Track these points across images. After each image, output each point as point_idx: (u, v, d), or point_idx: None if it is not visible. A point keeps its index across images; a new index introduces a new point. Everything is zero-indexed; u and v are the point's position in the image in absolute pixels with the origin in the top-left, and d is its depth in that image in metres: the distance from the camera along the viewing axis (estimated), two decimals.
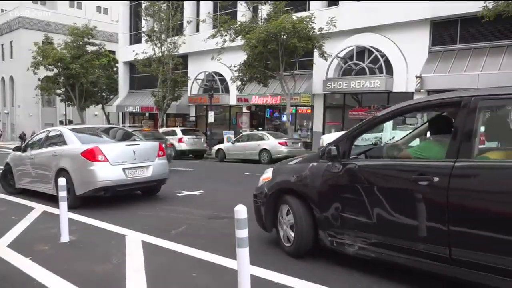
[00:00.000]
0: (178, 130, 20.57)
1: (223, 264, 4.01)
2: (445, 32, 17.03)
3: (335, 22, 17.67)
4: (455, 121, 3.20)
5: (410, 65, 17.34)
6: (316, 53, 18.74)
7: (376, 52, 17.77)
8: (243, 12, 21.43)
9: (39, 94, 35.95)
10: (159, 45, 24.84)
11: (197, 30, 26.33)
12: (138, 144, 7.64)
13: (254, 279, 3.27)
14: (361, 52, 18.65)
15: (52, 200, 6.93)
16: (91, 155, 6.86)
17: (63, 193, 5.01)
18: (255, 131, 20.05)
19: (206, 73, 24.99)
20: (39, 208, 7.04)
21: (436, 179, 3.01)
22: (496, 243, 2.74)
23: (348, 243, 3.66)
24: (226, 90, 24.59)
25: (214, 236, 5.12)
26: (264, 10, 19.68)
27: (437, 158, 3.26)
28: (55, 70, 29.95)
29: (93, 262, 4.19)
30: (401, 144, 4.37)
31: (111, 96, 34.84)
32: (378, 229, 3.43)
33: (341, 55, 19.08)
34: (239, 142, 18.38)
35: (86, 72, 29.28)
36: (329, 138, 13.27)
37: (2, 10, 50.85)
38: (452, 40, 16.91)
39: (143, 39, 27.41)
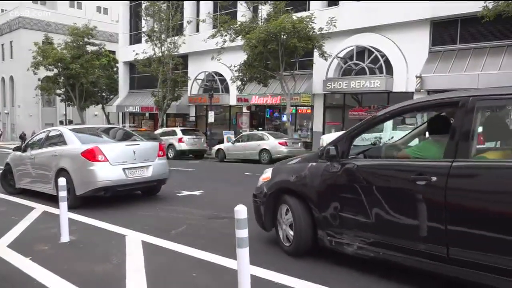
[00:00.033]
0: (178, 130, 20.58)
1: (223, 264, 4.01)
2: (445, 32, 17.03)
3: (335, 22, 17.67)
4: (453, 121, 3.21)
5: (410, 65, 17.34)
6: (316, 53, 18.74)
7: (376, 52, 17.77)
8: (243, 12, 21.44)
9: (39, 94, 35.99)
10: (159, 45, 24.86)
11: (197, 30, 26.34)
12: (138, 144, 7.64)
13: (254, 279, 3.27)
14: (361, 52, 18.65)
15: (52, 200, 6.94)
16: (91, 155, 6.86)
17: (63, 193, 5.01)
18: (255, 131, 20.05)
19: (206, 73, 24.99)
20: (39, 208, 7.04)
21: (434, 179, 3.03)
22: (493, 242, 2.75)
23: (347, 242, 3.67)
24: (226, 90, 24.59)
25: (214, 236, 5.12)
26: (264, 10, 19.69)
27: (436, 158, 3.27)
28: (55, 70, 29.98)
29: (93, 262, 4.19)
30: (399, 144, 4.38)
31: (111, 96, 34.85)
32: (377, 228, 3.44)
33: (341, 55, 19.08)
34: (239, 142, 18.38)
35: (86, 72, 29.29)
36: (329, 138, 13.28)
37: (2, 10, 50.87)
38: (452, 40, 16.91)
39: (143, 39, 27.43)
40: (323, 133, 19.29)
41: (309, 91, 20.54)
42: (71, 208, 5.93)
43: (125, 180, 7.06)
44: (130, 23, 31.96)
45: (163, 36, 24.90)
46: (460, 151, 2.99)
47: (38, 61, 29.13)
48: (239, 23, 19.58)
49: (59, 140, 7.64)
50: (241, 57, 19.61)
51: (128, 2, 31.65)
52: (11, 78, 45.27)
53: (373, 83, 17.62)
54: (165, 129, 22.71)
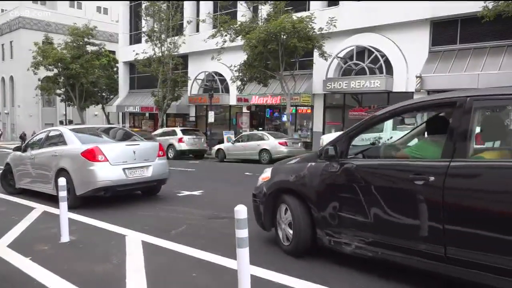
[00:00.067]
0: (178, 130, 20.58)
1: (223, 264, 4.01)
2: (445, 32, 17.02)
3: (335, 22, 17.67)
4: (450, 121, 3.22)
5: (410, 65, 17.34)
6: (316, 53, 18.74)
7: (376, 52, 17.77)
8: (243, 12, 21.44)
9: (39, 94, 35.98)
10: (159, 45, 24.86)
11: (197, 30, 26.34)
12: (138, 144, 7.64)
13: (254, 279, 3.27)
14: (361, 52, 18.64)
15: (52, 200, 6.94)
16: (91, 155, 6.86)
17: (63, 193, 5.01)
18: (255, 131, 20.05)
19: (206, 73, 24.99)
20: (39, 208, 7.04)
21: (431, 178, 3.04)
22: (490, 242, 2.77)
23: (346, 242, 3.69)
24: (226, 90, 24.58)
25: (214, 236, 5.12)
26: (264, 10, 19.69)
27: (434, 158, 3.28)
28: (55, 70, 29.98)
29: (93, 262, 4.20)
30: (398, 144, 4.41)
31: (111, 96, 34.85)
32: (375, 228, 3.46)
33: (341, 55, 19.08)
34: (239, 142, 18.38)
35: (86, 72, 29.29)
36: (329, 138, 13.27)
37: (2, 10, 50.88)
38: (452, 40, 16.91)
39: (143, 39, 27.42)
40: (323, 133, 19.29)
41: (309, 91, 20.54)
42: (71, 208, 5.93)
43: (125, 180, 7.06)
44: (130, 23, 31.96)
45: (163, 36, 24.90)
46: (457, 151, 3.01)
47: (38, 61, 29.14)
48: (239, 23, 19.58)
49: (59, 140, 7.64)
50: (241, 57, 19.61)
51: (128, 2, 31.65)
52: (11, 78, 45.27)
53: (373, 83, 17.61)
54: (165, 129, 22.71)
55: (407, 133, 4.60)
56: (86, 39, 30.36)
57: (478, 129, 3.25)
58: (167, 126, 26.87)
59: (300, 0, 20.68)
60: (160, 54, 24.80)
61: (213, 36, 19.93)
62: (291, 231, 4.14)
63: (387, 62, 17.84)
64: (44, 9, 47.47)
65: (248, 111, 24.26)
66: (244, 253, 2.82)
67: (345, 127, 18.14)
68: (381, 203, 3.37)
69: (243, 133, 19.90)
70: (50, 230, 5.52)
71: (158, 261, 4.14)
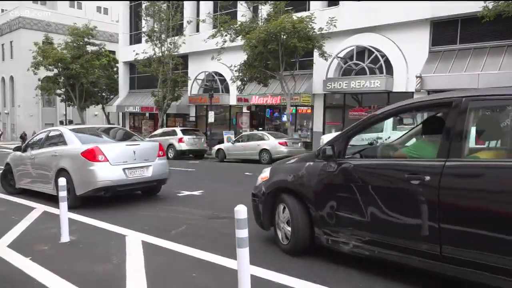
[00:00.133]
0: (178, 130, 20.58)
1: (223, 264, 4.01)
2: (445, 32, 17.02)
3: (335, 22, 17.66)
4: (446, 121, 3.24)
5: (410, 65, 17.33)
6: (316, 53, 18.73)
7: (376, 52, 17.76)
8: (243, 12, 21.43)
9: (39, 94, 35.98)
10: (159, 45, 24.85)
11: (197, 30, 26.33)
12: (138, 144, 7.64)
13: (254, 279, 3.27)
14: (361, 52, 18.64)
15: (52, 200, 6.94)
16: (91, 155, 6.86)
17: (63, 193, 5.01)
18: (255, 131, 20.04)
19: (206, 73, 24.98)
20: (39, 208, 7.04)
21: (427, 178, 3.06)
22: (486, 241, 2.79)
23: (343, 241, 3.71)
24: (226, 90, 24.58)
25: (214, 236, 5.12)
26: (264, 10, 19.68)
27: (430, 157, 3.30)
28: (55, 70, 29.96)
29: (93, 262, 4.20)
30: (396, 144, 4.44)
31: (111, 96, 34.84)
32: (372, 227, 3.49)
33: (341, 55, 19.07)
34: (239, 142, 18.38)
35: (86, 72, 29.29)
36: (329, 138, 13.22)
37: (2, 10, 50.88)
38: (452, 40, 16.90)
39: (143, 39, 27.41)
40: (323, 133, 19.29)
41: (309, 91, 20.54)
42: (71, 208, 5.93)
43: (125, 180, 7.06)
44: (130, 23, 31.95)
45: (163, 36, 24.89)
46: (453, 151, 3.03)
47: (38, 61, 29.12)
48: (239, 23, 19.57)
49: (59, 140, 7.65)
50: (241, 57, 19.61)
51: (128, 2, 31.65)
52: (11, 78, 45.27)
53: (373, 83, 17.61)
54: (165, 129, 22.71)
55: (405, 133, 4.64)
56: (86, 39, 30.34)
57: (474, 129, 3.26)
58: (167, 126, 26.87)
59: (300, 0, 20.68)
60: (160, 54, 24.79)
61: (213, 36, 19.92)
62: (289, 231, 4.17)
63: (387, 62, 17.84)
64: (44, 9, 47.46)
65: (248, 111, 24.26)
66: (244, 253, 2.82)
67: (345, 127, 18.12)
68: (378, 202, 3.41)
69: (243, 133, 19.90)
70: (50, 230, 5.53)
71: (158, 261, 4.14)
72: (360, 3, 18.60)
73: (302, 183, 4.07)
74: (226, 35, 19.39)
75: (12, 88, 45.63)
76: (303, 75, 21.16)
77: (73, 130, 7.89)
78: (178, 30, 25.49)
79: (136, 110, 30.88)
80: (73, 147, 7.19)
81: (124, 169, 7.04)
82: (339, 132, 4.52)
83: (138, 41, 29.80)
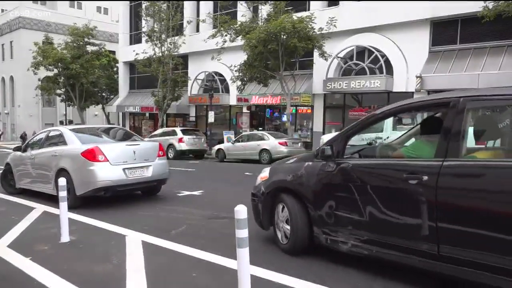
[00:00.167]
0: (178, 130, 20.58)
1: (223, 264, 4.01)
2: (445, 32, 17.02)
3: (335, 22, 17.66)
4: (444, 121, 3.25)
5: (410, 65, 17.33)
6: (316, 53, 18.73)
7: (376, 52, 17.76)
8: (243, 12, 21.43)
9: (39, 94, 36.00)
10: (159, 45, 24.85)
11: (197, 30, 26.33)
12: (138, 144, 7.64)
13: (254, 279, 3.28)
14: (361, 52, 18.64)
15: (52, 200, 6.94)
16: (91, 155, 6.86)
17: (63, 193, 5.01)
18: (255, 131, 20.05)
19: (206, 73, 24.98)
20: (39, 208, 7.04)
21: (425, 178, 3.08)
22: (483, 240, 2.79)
23: (342, 240, 3.73)
24: (226, 90, 24.58)
25: (214, 236, 5.13)
26: (264, 10, 19.68)
27: (428, 157, 3.31)
28: (55, 70, 29.96)
29: (93, 262, 4.20)
30: (394, 144, 4.46)
31: (111, 96, 34.84)
32: (370, 226, 3.50)
33: (341, 55, 19.07)
34: (239, 142, 18.38)
35: (86, 72, 29.29)
36: (329, 138, 13.25)
37: (2, 10, 50.88)
38: (452, 40, 16.90)
39: (143, 39, 27.41)
40: (323, 133, 19.28)
41: (309, 91, 20.54)
42: (71, 208, 5.93)
43: (125, 180, 7.06)
44: (130, 23, 31.95)
45: (163, 36, 24.89)
46: (450, 150, 3.04)
47: (38, 61, 29.12)
48: (239, 23, 19.57)
49: (59, 140, 7.65)
50: (241, 57, 19.61)
51: (128, 2, 31.65)
52: (11, 78, 45.27)
53: (373, 83, 17.61)
54: (165, 129, 22.71)
55: (404, 133, 4.65)
56: (86, 39, 30.34)
57: (471, 129, 3.28)
58: (167, 126, 26.87)
59: (300, 0, 20.68)
60: (160, 54, 24.79)
61: (213, 36, 19.92)
62: (289, 230, 4.18)
63: (387, 62, 17.84)
64: (44, 9, 47.47)
65: (248, 111, 24.26)
66: (244, 253, 2.82)
67: (345, 127, 18.12)
68: (376, 202, 3.42)
69: (243, 133, 19.90)
70: (50, 230, 5.53)
71: (158, 261, 4.14)
72: (360, 3, 18.60)
73: (301, 183, 4.08)
74: (226, 35, 19.38)
75: (12, 88, 45.63)
76: (303, 75, 21.16)
77: (73, 130, 7.89)
78: (178, 30, 25.49)
79: (136, 110, 30.88)
80: (73, 147, 7.19)
81: (124, 169, 7.04)
82: (338, 132, 4.53)
83: (138, 41, 29.80)
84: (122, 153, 7.21)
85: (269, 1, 19.54)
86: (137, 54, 25.48)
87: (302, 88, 20.63)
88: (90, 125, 13.17)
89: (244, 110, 24.41)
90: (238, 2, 21.37)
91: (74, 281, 3.66)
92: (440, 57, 16.91)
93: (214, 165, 16.90)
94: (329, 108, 20.93)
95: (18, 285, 3.70)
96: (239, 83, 20.03)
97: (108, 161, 6.93)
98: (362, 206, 3.52)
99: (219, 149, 19.02)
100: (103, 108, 34.62)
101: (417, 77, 16.59)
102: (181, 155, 19.55)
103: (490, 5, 13.08)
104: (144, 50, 25.51)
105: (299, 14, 18.26)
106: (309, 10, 19.82)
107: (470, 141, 3.28)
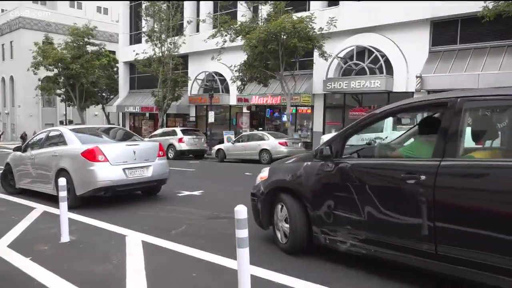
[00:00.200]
0: (178, 130, 20.59)
1: (223, 264, 4.02)
2: (445, 32, 17.01)
3: (335, 22, 17.66)
4: (442, 121, 3.26)
5: (410, 65, 17.33)
6: (316, 53, 18.73)
7: (376, 52, 17.76)
8: (243, 12, 21.43)
9: (39, 94, 35.99)
10: (159, 45, 24.85)
11: (197, 30, 26.33)
12: (138, 144, 7.64)
13: (254, 279, 3.28)
14: (361, 52, 18.64)
15: (52, 200, 6.94)
16: (91, 155, 6.86)
17: (63, 193, 5.01)
18: (255, 131, 20.04)
19: (206, 73, 24.98)
20: (39, 208, 7.04)
21: (423, 177, 3.09)
22: (480, 239, 2.80)
23: (340, 240, 3.74)
24: (226, 90, 24.58)
25: (214, 236, 5.13)
26: (264, 10, 19.68)
27: (426, 157, 3.32)
28: (55, 70, 29.97)
29: (93, 262, 4.20)
30: (393, 144, 4.47)
31: (111, 96, 34.85)
32: (368, 226, 3.51)
33: (341, 55, 19.07)
34: (239, 142, 18.38)
35: (86, 72, 29.29)
36: (328, 138, 13.25)
37: (2, 10, 50.88)
38: (452, 40, 16.90)
39: (143, 39, 27.40)
40: (323, 133, 19.29)
41: (309, 91, 20.54)
42: (71, 208, 5.94)
43: (125, 180, 7.06)
44: (130, 23, 31.95)
45: (163, 36, 24.89)
46: (448, 150, 3.06)
47: (38, 61, 29.13)
48: (239, 23, 19.57)
49: (59, 140, 7.65)
50: (241, 57, 19.61)
51: (128, 2, 31.65)
52: (11, 78, 45.27)
53: (373, 83, 17.61)
54: (165, 129, 22.72)
55: (403, 133, 4.66)
56: (86, 39, 30.35)
57: (469, 129, 3.30)
58: (167, 126, 26.87)
59: (300, 0, 20.68)
60: (160, 54, 24.80)
61: (213, 36, 19.92)
62: (288, 230, 4.19)
63: (387, 62, 17.84)
64: (44, 9, 47.46)
65: (248, 111, 24.26)
66: (244, 253, 2.82)
67: (345, 127, 18.10)
68: (374, 201, 3.43)
69: (243, 133, 19.90)
70: (50, 230, 5.53)
71: (158, 261, 4.14)
72: (360, 3, 18.60)
73: (300, 183, 4.10)
74: (226, 35, 19.38)
75: (12, 88, 45.63)
76: (303, 75, 21.16)
77: (73, 130, 7.89)
78: (178, 30, 25.49)
79: (136, 110, 30.88)
80: (73, 147, 7.19)
81: (124, 169, 7.04)
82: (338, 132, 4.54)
83: (138, 41, 29.79)
84: (122, 153, 7.22)
85: (269, 1, 19.54)
86: (137, 54, 25.49)
87: (302, 88, 20.63)
88: (90, 125, 13.17)
89: (244, 110, 24.41)
90: (238, 2, 21.37)
91: (74, 281, 3.66)
92: (440, 57, 16.91)
93: (214, 165, 16.90)
94: (329, 108, 20.93)
95: (18, 285, 3.70)
96: (239, 83, 20.04)
97: (108, 161, 6.93)
98: (360, 205, 3.53)
99: (219, 149, 19.02)
100: (103, 108, 34.62)
101: (417, 77, 16.59)
102: (181, 155, 19.55)
103: (490, 5, 13.08)
104: (144, 50, 25.52)
105: (299, 14, 18.26)
106: (309, 10, 19.82)
107: (468, 141, 3.29)
